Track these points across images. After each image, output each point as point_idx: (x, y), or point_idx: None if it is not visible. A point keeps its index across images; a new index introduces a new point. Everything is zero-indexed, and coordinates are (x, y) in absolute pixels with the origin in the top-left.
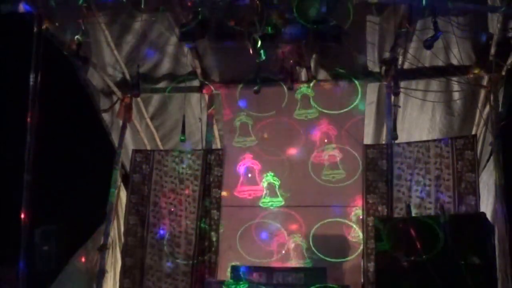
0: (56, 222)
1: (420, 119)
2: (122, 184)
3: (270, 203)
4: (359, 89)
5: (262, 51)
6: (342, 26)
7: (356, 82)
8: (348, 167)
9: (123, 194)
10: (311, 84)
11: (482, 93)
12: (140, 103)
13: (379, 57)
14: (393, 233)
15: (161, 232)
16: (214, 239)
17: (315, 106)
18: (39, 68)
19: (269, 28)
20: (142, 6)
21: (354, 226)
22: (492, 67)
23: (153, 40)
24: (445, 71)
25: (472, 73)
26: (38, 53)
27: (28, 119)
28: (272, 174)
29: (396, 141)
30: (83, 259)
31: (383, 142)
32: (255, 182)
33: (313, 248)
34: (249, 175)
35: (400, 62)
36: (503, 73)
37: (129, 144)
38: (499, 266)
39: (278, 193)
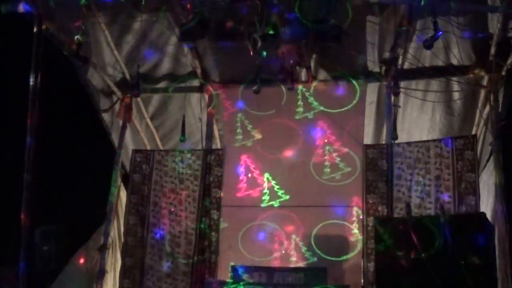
0: (56, 222)
1: (420, 119)
2: (122, 184)
3: (270, 203)
4: (358, 89)
5: (262, 51)
6: (342, 26)
7: (355, 82)
8: (348, 167)
9: (123, 194)
10: (311, 84)
11: (482, 93)
12: (140, 103)
13: (379, 57)
14: (393, 233)
15: (160, 232)
16: (214, 239)
17: (315, 106)
18: (39, 68)
19: (269, 28)
20: (142, 6)
21: (354, 226)
22: (492, 67)
23: (153, 40)
24: (445, 71)
25: (472, 73)
26: (38, 53)
27: (28, 119)
28: (272, 174)
29: (396, 141)
30: (83, 259)
31: (383, 142)
32: (255, 182)
33: (313, 248)
34: (249, 175)
35: (400, 62)
36: (503, 73)
37: (129, 144)
38: (499, 266)
39: (278, 193)
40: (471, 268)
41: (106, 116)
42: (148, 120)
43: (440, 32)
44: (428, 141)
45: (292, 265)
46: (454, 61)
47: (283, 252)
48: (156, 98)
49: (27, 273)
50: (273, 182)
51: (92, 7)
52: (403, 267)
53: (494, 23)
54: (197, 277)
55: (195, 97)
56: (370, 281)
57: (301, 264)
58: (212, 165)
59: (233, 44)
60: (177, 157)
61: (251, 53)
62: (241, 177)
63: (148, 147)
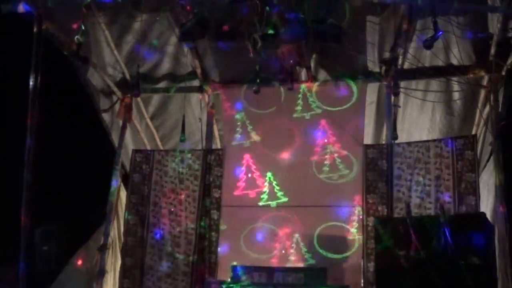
0: (56, 222)
1: (420, 119)
2: (122, 184)
3: (270, 203)
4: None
5: (262, 51)
6: (342, 26)
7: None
8: (348, 167)
9: (123, 194)
10: (311, 84)
11: (482, 93)
12: (140, 103)
13: (379, 57)
14: (393, 233)
15: (160, 232)
16: (214, 239)
17: (315, 106)
18: (39, 68)
19: (269, 28)
20: (142, 6)
21: (354, 225)
22: (492, 67)
23: (153, 40)
24: (445, 71)
25: (472, 73)
26: (38, 53)
27: (28, 119)
28: (272, 174)
29: (396, 141)
30: (82, 260)
31: (383, 142)
32: (255, 182)
33: (313, 247)
34: (249, 175)
35: (400, 62)
36: (503, 73)
37: (129, 144)
38: (499, 266)
39: (278, 193)
40: (471, 268)
41: (106, 116)
42: (148, 120)
43: (440, 32)
44: (428, 141)
45: (292, 265)
46: (454, 61)
47: (283, 252)
48: (156, 98)
49: (27, 273)
50: (273, 182)
51: (92, 7)
52: (403, 267)
53: (494, 23)
54: (197, 277)
55: (195, 97)
56: (370, 281)
57: (301, 263)
58: (212, 165)
59: (233, 44)
60: (177, 157)
61: (251, 53)
62: (241, 177)
63: (148, 147)
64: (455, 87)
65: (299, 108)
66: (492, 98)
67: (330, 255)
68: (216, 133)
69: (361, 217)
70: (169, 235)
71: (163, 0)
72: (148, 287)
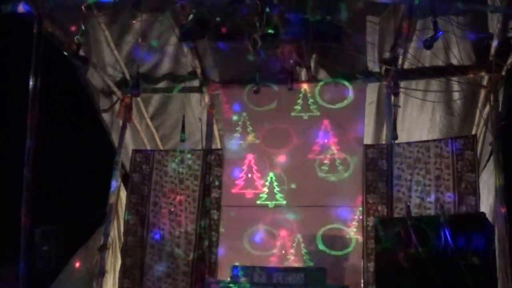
0: (56, 222)
1: (420, 119)
2: (122, 184)
3: (269, 203)
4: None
5: (261, 51)
6: (342, 26)
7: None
8: (348, 167)
9: (123, 194)
10: (311, 84)
11: (482, 93)
12: (140, 103)
13: (379, 57)
14: (393, 233)
15: (160, 232)
16: (214, 239)
17: (315, 106)
18: (39, 68)
19: (269, 28)
20: (142, 6)
21: (354, 224)
22: (492, 67)
23: (153, 40)
24: (445, 71)
25: (472, 73)
26: (38, 53)
27: (28, 119)
28: (272, 173)
29: (396, 141)
30: (82, 260)
31: (383, 142)
32: (255, 182)
33: (313, 248)
34: (249, 175)
35: (400, 62)
36: (503, 73)
37: (129, 144)
38: (499, 266)
39: (278, 194)
40: (471, 268)
41: (106, 116)
42: (148, 120)
43: (440, 32)
44: (428, 141)
45: (292, 265)
46: (454, 61)
47: (283, 252)
48: (156, 98)
49: (27, 273)
50: (273, 183)
51: (92, 7)
52: (403, 267)
53: (494, 23)
54: (197, 277)
55: (195, 97)
56: (370, 281)
57: (301, 263)
58: (212, 165)
59: (233, 44)
60: (177, 157)
61: (251, 53)
62: (241, 177)
63: (148, 147)
64: (455, 87)
65: (298, 108)
66: (492, 98)
67: (328, 251)
68: (216, 133)
69: (361, 217)
70: (169, 235)
71: (163, 0)
72: (148, 287)
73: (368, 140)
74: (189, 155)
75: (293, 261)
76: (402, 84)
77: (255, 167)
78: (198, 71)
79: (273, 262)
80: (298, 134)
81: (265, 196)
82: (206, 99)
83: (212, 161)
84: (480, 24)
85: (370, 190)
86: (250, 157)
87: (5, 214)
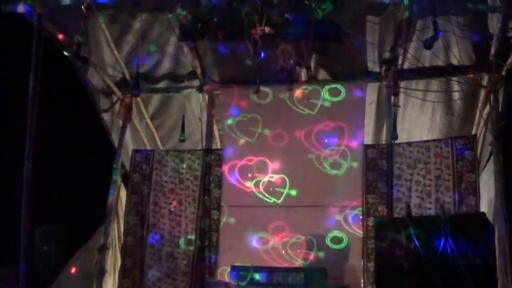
0: (56, 222)
1: (420, 119)
2: (122, 184)
3: (270, 202)
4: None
5: (261, 52)
6: (342, 26)
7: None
8: (348, 167)
9: (123, 194)
10: (311, 84)
11: (482, 93)
12: (140, 103)
13: (379, 57)
14: (393, 233)
15: (160, 232)
16: (214, 239)
17: (315, 105)
18: (39, 68)
19: (269, 28)
20: (142, 6)
21: (354, 225)
22: (492, 67)
23: (153, 40)
24: (445, 71)
25: (472, 73)
26: (38, 53)
27: (28, 120)
28: (272, 173)
29: (396, 141)
30: (81, 261)
31: (383, 142)
32: (255, 182)
33: (313, 247)
34: (249, 174)
35: (400, 62)
36: (503, 73)
37: (129, 144)
38: (499, 266)
39: (278, 192)
40: (471, 268)
41: (106, 116)
42: (148, 120)
43: (440, 32)
44: (428, 141)
45: (292, 265)
46: (454, 61)
47: (283, 252)
48: (156, 98)
49: (27, 273)
50: (273, 182)
51: (92, 7)
52: (403, 267)
53: (494, 23)
54: (197, 277)
55: (195, 97)
56: (370, 281)
57: (301, 263)
58: (212, 165)
59: (233, 45)
60: (177, 157)
61: (251, 53)
62: (241, 177)
63: (148, 147)
64: (455, 87)
65: (299, 107)
66: (492, 98)
67: (328, 251)
68: (216, 133)
69: (361, 217)
70: (169, 235)
71: (163, 0)
72: (148, 287)
73: (368, 140)
74: (189, 155)
75: (294, 260)
76: (402, 84)
77: (255, 167)
78: (198, 71)
79: (273, 261)
80: (298, 133)
81: (265, 196)
82: (206, 99)
83: (212, 161)
84: (480, 24)
85: (370, 190)
86: (250, 157)
87: (5, 214)
